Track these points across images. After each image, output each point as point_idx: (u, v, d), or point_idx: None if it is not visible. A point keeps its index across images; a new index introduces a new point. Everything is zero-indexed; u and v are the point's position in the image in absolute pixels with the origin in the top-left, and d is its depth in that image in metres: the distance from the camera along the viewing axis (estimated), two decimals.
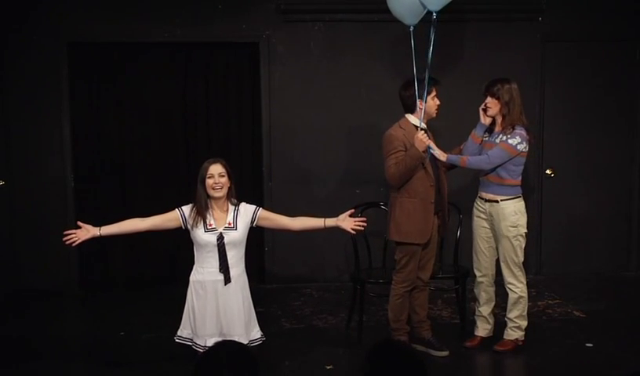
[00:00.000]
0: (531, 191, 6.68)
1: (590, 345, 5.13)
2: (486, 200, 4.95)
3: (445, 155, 4.81)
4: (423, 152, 4.69)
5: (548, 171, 6.88)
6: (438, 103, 4.83)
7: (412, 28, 4.78)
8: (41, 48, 6.35)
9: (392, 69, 6.40)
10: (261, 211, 4.49)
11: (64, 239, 4.33)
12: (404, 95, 4.83)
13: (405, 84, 4.83)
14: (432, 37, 4.66)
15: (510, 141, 4.79)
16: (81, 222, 4.39)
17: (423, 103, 4.73)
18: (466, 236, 5.47)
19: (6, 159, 6.40)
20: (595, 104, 6.86)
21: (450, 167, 5.00)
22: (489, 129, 4.98)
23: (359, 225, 4.54)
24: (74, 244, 4.34)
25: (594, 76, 6.83)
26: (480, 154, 4.93)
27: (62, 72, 6.40)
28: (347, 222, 4.51)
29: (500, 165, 4.82)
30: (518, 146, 4.79)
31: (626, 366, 4.64)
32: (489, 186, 4.93)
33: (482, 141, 4.96)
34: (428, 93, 4.74)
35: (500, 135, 4.85)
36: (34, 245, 6.46)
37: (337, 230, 4.60)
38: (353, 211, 4.62)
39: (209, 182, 4.33)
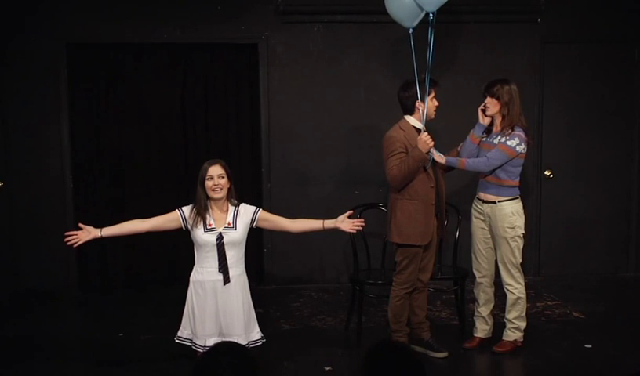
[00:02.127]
0: (530, 192, 6.68)
1: (589, 346, 5.13)
2: (484, 201, 4.95)
3: (444, 158, 4.81)
4: (426, 153, 4.69)
5: (547, 173, 6.89)
6: (436, 104, 4.84)
7: (411, 31, 4.79)
8: (40, 49, 6.34)
9: (391, 70, 6.41)
10: (261, 213, 4.49)
11: (65, 240, 4.33)
12: (402, 97, 4.82)
13: (403, 86, 4.83)
14: (431, 38, 4.66)
15: (508, 143, 4.79)
16: (82, 223, 4.39)
17: (425, 105, 4.73)
18: (465, 237, 5.47)
19: (5, 160, 6.39)
20: (594, 105, 6.86)
21: (448, 169, 5.00)
22: (488, 130, 4.98)
23: (358, 226, 4.55)
24: (75, 245, 4.35)
25: (593, 77, 6.83)
26: (477, 155, 4.93)
27: (61, 73, 6.40)
28: (345, 223, 4.51)
29: (498, 167, 4.82)
30: (517, 148, 4.79)
31: (625, 368, 4.65)
32: (487, 187, 4.93)
33: (480, 141, 4.96)
34: (427, 94, 4.74)
35: (499, 136, 4.85)
36: (33, 246, 6.46)
37: (336, 231, 4.61)
38: (352, 212, 4.63)
39: (209, 183, 4.33)
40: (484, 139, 4.96)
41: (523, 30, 6.71)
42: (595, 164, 6.92)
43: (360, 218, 5.11)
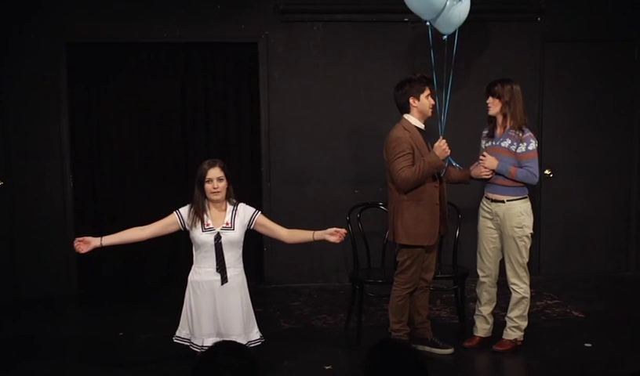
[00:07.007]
0: (530, 191, 6.65)
1: (589, 345, 5.12)
2: (493, 201, 4.94)
3: (490, 171, 4.89)
4: (442, 160, 4.70)
5: (547, 172, 6.88)
6: (432, 102, 4.83)
7: (445, 38, 4.91)
8: (39, 48, 6.33)
9: (391, 70, 6.40)
10: (260, 217, 4.47)
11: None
12: (396, 95, 4.83)
13: (398, 85, 4.84)
14: (430, 39, 4.73)
15: (530, 147, 4.83)
16: (82, 232, 4.42)
17: (435, 104, 4.78)
18: (465, 236, 5.47)
19: (5, 160, 6.38)
20: (594, 104, 6.86)
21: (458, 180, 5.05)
22: (491, 134, 4.98)
23: (343, 237, 4.50)
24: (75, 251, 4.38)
25: (593, 76, 6.83)
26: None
27: (61, 72, 6.39)
28: (333, 236, 4.48)
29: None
30: (536, 148, 4.86)
31: (625, 367, 4.65)
32: (496, 187, 4.93)
33: (486, 146, 4.97)
34: (421, 92, 4.75)
35: (509, 140, 4.84)
36: (33, 246, 6.45)
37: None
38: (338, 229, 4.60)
39: (208, 186, 4.32)
40: (489, 143, 4.96)
41: (523, 29, 6.70)
42: (595, 163, 6.92)
43: (359, 217, 5.13)
